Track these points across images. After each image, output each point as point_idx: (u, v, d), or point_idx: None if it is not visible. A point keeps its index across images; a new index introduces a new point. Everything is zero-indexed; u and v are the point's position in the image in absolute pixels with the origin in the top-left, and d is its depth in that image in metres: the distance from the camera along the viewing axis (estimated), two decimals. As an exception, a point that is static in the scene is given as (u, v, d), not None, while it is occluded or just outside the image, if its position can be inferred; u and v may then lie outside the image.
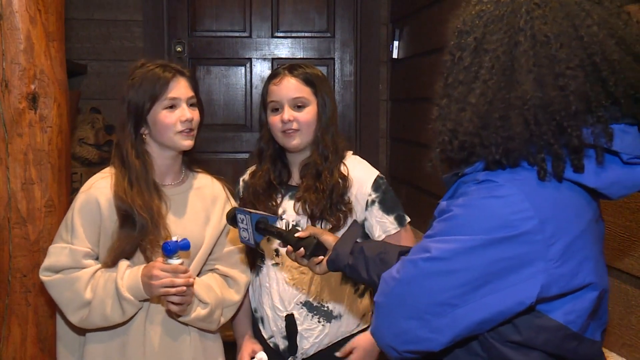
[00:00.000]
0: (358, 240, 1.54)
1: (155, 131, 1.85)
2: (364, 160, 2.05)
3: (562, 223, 1.07)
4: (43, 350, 2.10)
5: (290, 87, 1.94)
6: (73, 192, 2.01)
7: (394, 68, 4.02)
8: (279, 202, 1.99)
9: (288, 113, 1.93)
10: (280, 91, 1.94)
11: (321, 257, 1.56)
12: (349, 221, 1.92)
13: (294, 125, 1.93)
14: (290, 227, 1.68)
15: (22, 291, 2.05)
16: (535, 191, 1.08)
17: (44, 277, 1.83)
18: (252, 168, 2.08)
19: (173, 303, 1.79)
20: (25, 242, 2.04)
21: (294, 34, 4.19)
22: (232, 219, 1.73)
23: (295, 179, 2.02)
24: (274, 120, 1.95)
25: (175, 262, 1.77)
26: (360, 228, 1.76)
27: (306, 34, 4.20)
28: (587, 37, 1.05)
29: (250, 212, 1.67)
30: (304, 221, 1.95)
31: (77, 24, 3.91)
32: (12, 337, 2.06)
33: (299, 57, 4.15)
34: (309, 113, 1.94)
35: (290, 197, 1.99)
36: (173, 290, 1.75)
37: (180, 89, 1.86)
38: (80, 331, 1.90)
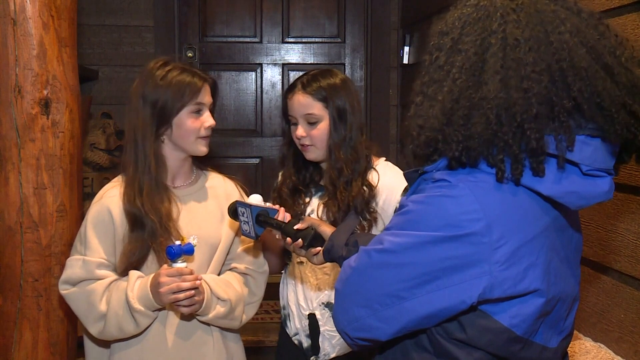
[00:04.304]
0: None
1: (177, 134, 1.85)
2: (396, 167, 2.04)
3: (511, 227, 1.09)
4: (54, 354, 2.11)
5: (301, 104, 1.96)
6: (84, 197, 2.02)
7: (404, 73, 4.02)
8: (307, 201, 2.02)
9: (300, 130, 1.96)
10: (293, 107, 1.98)
11: (319, 248, 1.58)
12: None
13: (307, 141, 1.96)
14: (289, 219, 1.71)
15: (33, 295, 2.06)
16: (487, 194, 1.09)
17: (63, 290, 1.84)
18: (283, 170, 2.11)
19: (184, 306, 1.79)
20: (37, 246, 2.05)
21: (304, 40, 4.20)
22: (233, 212, 1.74)
23: (326, 180, 2.04)
24: (293, 134, 2.00)
25: (180, 265, 1.77)
26: (357, 219, 1.78)
27: (316, 40, 4.21)
28: (556, 43, 1.07)
29: (250, 205, 1.67)
30: None
31: (89, 29, 3.93)
32: (24, 341, 2.07)
33: (309, 62, 4.16)
34: (321, 129, 1.95)
35: (319, 198, 2.02)
36: (182, 295, 1.75)
37: (206, 95, 1.88)
38: (105, 344, 1.90)
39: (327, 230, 1.58)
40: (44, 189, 2.04)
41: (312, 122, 1.95)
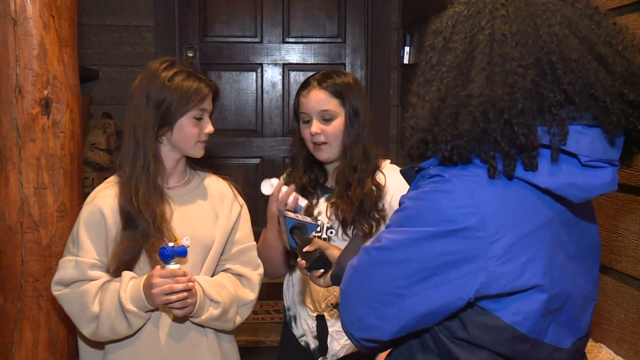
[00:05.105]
0: None
1: (178, 137, 1.86)
2: None
3: (507, 221, 1.07)
4: (54, 354, 2.11)
5: (318, 100, 1.96)
6: (85, 197, 2.02)
7: (404, 73, 4.02)
8: (314, 203, 2.02)
9: (316, 126, 1.96)
10: (308, 104, 1.97)
11: (321, 271, 1.56)
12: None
13: (322, 138, 1.96)
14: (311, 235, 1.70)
15: (34, 295, 2.06)
16: (481, 188, 1.08)
17: (55, 291, 1.83)
18: (289, 169, 2.12)
19: (176, 308, 1.79)
20: (37, 246, 2.05)
21: (304, 40, 4.20)
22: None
23: (331, 182, 2.05)
24: (305, 132, 1.99)
25: (173, 267, 1.76)
26: (361, 241, 1.78)
27: (317, 40, 4.21)
28: (545, 36, 1.05)
29: (286, 217, 1.65)
30: (336, 225, 1.98)
31: (89, 29, 3.93)
32: (24, 341, 2.07)
33: (309, 62, 4.16)
34: (336, 126, 1.96)
35: (326, 200, 2.02)
36: (174, 297, 1.74)
37: (209, 102, 1.90)
38: (99, 345, 1.89)
39: (335, 253, 1.55)
40: (44, 189, 2.05)
41: (327, 119, 1.96)
